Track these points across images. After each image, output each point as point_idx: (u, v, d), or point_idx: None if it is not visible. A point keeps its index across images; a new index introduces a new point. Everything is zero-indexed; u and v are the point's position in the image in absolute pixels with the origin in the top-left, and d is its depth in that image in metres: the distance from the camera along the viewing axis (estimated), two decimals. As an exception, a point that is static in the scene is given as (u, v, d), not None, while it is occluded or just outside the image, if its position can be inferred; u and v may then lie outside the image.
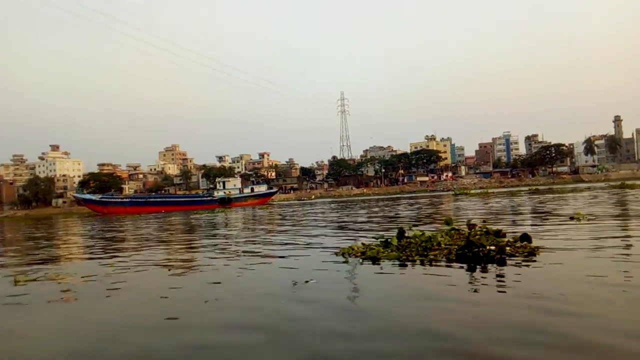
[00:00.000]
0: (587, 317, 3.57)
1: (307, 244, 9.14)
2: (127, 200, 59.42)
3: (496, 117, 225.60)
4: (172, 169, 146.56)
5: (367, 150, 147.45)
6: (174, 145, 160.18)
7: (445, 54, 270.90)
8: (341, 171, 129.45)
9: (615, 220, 9.99)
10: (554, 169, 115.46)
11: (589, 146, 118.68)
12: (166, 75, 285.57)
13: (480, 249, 6.07)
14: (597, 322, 3.44)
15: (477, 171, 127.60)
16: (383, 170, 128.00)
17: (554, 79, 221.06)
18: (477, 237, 6.38)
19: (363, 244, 7.37)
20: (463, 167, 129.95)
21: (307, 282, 5.21)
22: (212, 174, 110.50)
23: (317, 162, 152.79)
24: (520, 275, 5.06)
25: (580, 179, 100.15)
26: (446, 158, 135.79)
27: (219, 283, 5.62)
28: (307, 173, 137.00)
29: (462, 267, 5.62)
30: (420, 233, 7.18)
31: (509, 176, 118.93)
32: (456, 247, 6.34)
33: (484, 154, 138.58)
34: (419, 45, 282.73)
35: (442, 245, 6.57)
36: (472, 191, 52.61)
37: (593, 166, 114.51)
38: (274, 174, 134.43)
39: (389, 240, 7.04)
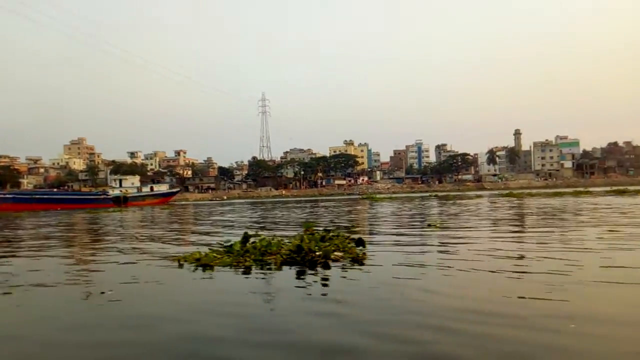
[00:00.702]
0: (347, 317, 3.73)
1: (158, 250, 8.84)
2: (10, 196, 52.94)
3: (411, 125, 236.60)
4: (78, 164, 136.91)
5: (287, 152, 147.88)
6: (80, 139, 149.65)
7: (364, 62, 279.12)
8: (260, 172, 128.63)
9: (467, 229, 10.73)
10: (460, 176, 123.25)
11: (492, 156, 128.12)
12: (78, 62, 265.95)
13: (310, 254, 6.21)
14: (356, 322, 3.58)
15: (391, 176, 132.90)
16: (302, 173, 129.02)
17: (464, 94, 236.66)
18: (307, 242, 6.51)
19: (211, 249, 7.25)
20: (378, 172, 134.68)
21: (103, 293, 4.99)
22: (122, 170, 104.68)
23: (236, 162, 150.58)
24: (329, 280, 5.22)
25: (483, 187, 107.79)
26: (363, 163, 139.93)
27: None
28: (225, 173, 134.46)
29: (284, 271, 5.72)
30: (262, 237, 7.23)
31: (420, 182, 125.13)
32: (288, 252, 6.43)
33: (398, 160, 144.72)
34: (337, 51, 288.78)
35: (282, 250, 6.63)
36: (379, 196, 54.62)
37: (494, 175, 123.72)
38: (190, 172, 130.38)
39: (232, 245, 7.00)
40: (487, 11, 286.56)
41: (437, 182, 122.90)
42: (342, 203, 36.24)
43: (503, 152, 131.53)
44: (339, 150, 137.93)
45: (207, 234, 12.36)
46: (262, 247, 6.73)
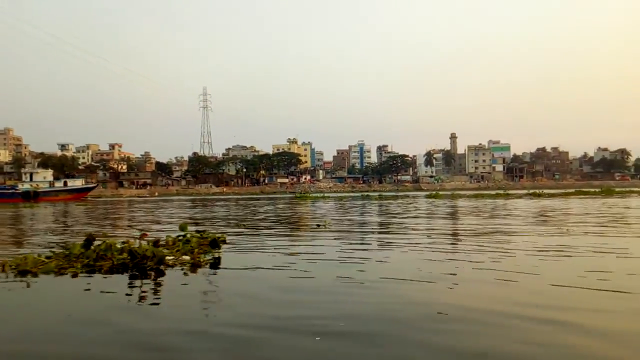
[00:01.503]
0: (122, 328, 3.73)
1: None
2: None
3: (353, 126, 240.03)
4: (4, 155, 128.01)
5: (229, 148, 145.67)
6: (7, 129, 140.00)
7: (309, 62, 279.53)
8: (201, 168, 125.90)
9: (349, 231, 11.01)
10: (399, 177, 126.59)
11: (429, 159, 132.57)
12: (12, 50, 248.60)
13: (144, 260, 6.15)
14: (128, 333, 3.59)
15: (334, 176, 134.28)
16: (244, 170, 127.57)
17: (402, 95, 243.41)
18: (142, 248, 6.44)
19: (53, 251, 6.99)
20: (321, 171, 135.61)
21: None
22: (51, 163, 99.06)
23: (176, 158, 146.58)
24: (142, 288, 5.20)
25: (420, 188, 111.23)
26: (306, 162, 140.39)
27: None
28: (163, 168, 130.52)
29: (108, 279, 5.63)
30: (102, 242, 7.08)
31: (361, 182, 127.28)
32: (123, 257, 6.33)
33: (341, 160, 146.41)
34: (283, 48, 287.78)
35: (117, 256, 6.50)
36: (312, 195, 55.01)
37: (431, 177, 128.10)
38: (125, 167, 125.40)
39: (71, 248, 6.79)
40: (419, 15, 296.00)
41: (377, 182, 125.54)
42: (275, 201, 36.16)
43: (440, 155, 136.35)
44: (283, 149, 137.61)
45: (77, 234, 11.92)
46: (100, 252, 6.58)
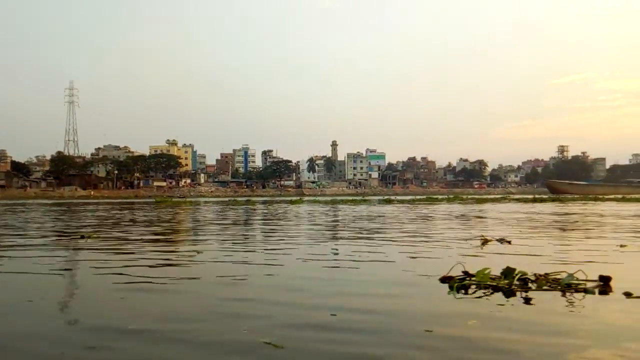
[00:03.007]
0: None
1: None
2: None
3: (239, 130, 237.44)
4: None
5: (99, 148, 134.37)
6: None
7: (186, 61, 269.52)
8: (65, 169, 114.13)
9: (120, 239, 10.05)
10: (282, 182, 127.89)
11: (312, 165, 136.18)
12: None
13: None
14: None
15: (216, 180, 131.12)
16: (116, 172, 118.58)
17: (290, 102, 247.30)
18: None
19: None
20: (202, 175, 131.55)
21: None
22: None
23: (37, 157, 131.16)
24: None
25: (302, 193, 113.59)
26: (187, 165, 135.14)
27: None
28: (20, 169, 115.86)
29: None
30: None
31: (244, 186, 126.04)
32: None
33: (224, 164, 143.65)
34: (163, 47, 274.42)
35: None
36: (174, 199, 52.82)
37: (313, 182, 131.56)
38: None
39: None
40: (309, 25, 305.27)
41: (261, 187, 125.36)
42: (133, 206, 33.58)
43: (322, 161, 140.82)
44: (161, 150, 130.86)
45: None
46: None
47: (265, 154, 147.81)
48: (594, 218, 15.58)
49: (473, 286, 4.07)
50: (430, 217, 16.81)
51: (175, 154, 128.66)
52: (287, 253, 6.84)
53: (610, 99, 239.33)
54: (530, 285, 4.08)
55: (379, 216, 17.10)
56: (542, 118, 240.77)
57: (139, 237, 9.60)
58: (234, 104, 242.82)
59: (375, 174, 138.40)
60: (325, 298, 3.84)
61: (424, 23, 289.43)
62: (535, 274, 4.26)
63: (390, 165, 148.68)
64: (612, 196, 45.30)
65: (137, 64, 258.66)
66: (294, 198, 53.69)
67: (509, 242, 7.74)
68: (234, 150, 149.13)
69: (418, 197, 51.23)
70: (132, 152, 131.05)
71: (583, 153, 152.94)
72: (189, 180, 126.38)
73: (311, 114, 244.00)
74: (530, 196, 49.74)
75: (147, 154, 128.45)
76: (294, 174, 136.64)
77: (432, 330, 2.85)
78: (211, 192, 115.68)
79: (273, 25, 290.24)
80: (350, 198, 49.05)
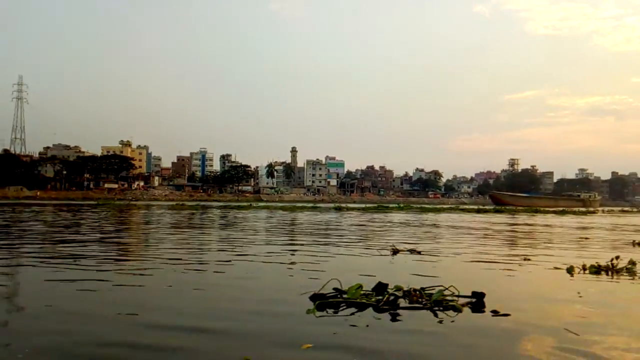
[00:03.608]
0: None
1: None
2: None
3: (197, 133, 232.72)
4: None
5: (48, 147, 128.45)
6: None
7: (144, 62, 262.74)
8: (10, 169, 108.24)
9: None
10: (240, 187, 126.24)
11: (270, 170, 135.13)
12: None
13: None
14: None
15: (171, 183, 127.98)
16: (65, 173, 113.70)
17: (250, 106, 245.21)
18: None
19: None
20: (157, 178, 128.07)
21: None
22: None
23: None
24: None
25: (260, 198, 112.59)
26: (141, 167, 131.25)
27: None
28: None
29: None
30: None
31: (200, 190, 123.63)
32: None
33: (181, 167, 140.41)
34: (121, 47, 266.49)
35: None
36: (117, 202, 51.19)
37: (272, 188, 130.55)
38: None
39: None
40: (271, 31, 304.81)
41: (218, 192, 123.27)
42: (70, 207, 32.09)
43: (281, 167, 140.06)
44: (114, 151, 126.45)
45: None
46: None
47: (224, 158, 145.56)
48: (522, 229, 16.00)
49: (343, 304, 3.86)
50: (363, 225, 16.80)
51: (129, 155, 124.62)
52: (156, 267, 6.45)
53: (560, 115, 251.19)
54: (400, 302, 3.91)
55: (314, 224, 16.93)
56: (495, 132, 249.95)
57: None
58: (193, 106, 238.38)
59: (334, 182, 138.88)
60: (171, 316, 3.52)
61: (386, 42, 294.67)
62: (410, 289, 4.10)
63: (349, 173, 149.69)
64: (552, 209, 47.19)
65: (92, 61, 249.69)
66: (243, 204, 53.05)
67: (419, 253, 7.69)
68: (192, 154, 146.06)
69: (370, 205, 51.68)
70: (83, 152, 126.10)
71: (532, 167, 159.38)
72: (142, 183, 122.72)
73: (272, 120, 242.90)
74: (475, 207, 51.11)
75: (99, 154, 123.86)
76: (253, 179, 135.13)
77: (250, 357, 2.59)
78: (165, 195, 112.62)
79: (234, 28, 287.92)
80: (300, 205, 48.86)
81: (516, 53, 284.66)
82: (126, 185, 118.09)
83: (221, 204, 65.35)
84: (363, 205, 51.09)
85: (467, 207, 53.09)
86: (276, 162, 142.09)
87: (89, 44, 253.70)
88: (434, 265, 6.32)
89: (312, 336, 3.01)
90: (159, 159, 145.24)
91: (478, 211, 35.75)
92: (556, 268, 6.20)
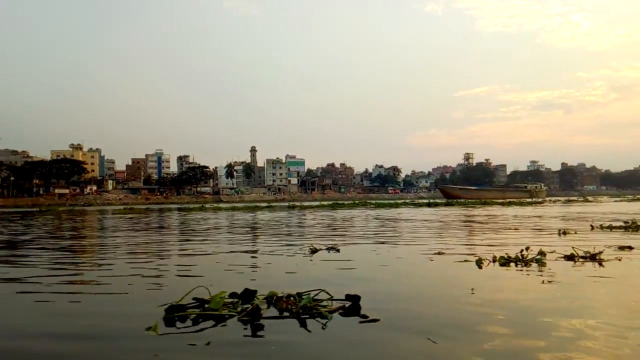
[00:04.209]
0: None
1: None
2: None
3: (153, 134, 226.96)
4: None
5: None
6: None
7: (97, 60, 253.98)
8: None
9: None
10: (199, 188, 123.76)
11: (230, 171, 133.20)
12: None
13: None
14: None
15: (126, 186, 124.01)
16: (13, 179, 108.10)
17: (208, 106, 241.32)
18: None
19: None
20: (110, 182, 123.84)
21: None
22: None
23: None
24: None
25: (220, 200, 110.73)
26: (93, 170, 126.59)
27: None
28: None
29: None
30: None
31: (157, 193, 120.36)
32: None
33: (136, 170, 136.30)
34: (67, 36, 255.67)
35: None
36: (60, 208, 49.31)
37: (232, 189, 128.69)
38: None
39: None
40: (228, 31, 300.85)
41: (175, 194, 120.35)
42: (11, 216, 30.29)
43: (241, 167, 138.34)
44: (64, 155, 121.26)
45: None
46: None
47: (182, 159, 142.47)
48: (456, 220, 16.11)
49: (201, 317, 3.43)
50: (300, 223, 16.49)
51: (80, 159, 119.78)
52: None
53: (511, 110, 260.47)
54: (266, 311, 3.52)
55: (248, 224, 16.49)
56: (451, 127, 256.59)
57: None
58: (147, 107, 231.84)
59: (294, 180, 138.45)
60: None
61: (342, 40, 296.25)
62: (284, 295, 3.73)
63: (309, 171, 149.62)
64: (500, 200, 48.44)
65: (42, 62, 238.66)
66: (193, 206, 51.84)
67: (338, 251, 7.42)
68: (147, 156, 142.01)
69: (326, 203, 51.57)
70: (32, 157, 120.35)
71: (487, 160, 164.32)
72: (95, 187, 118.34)
73: (231, 119, 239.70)
74: (426, 201, 51.89)
75: (49, 159, 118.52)
76: (212, 180, 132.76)
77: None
78: (120, 199, 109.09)
79: (190, 27, 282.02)
80: (254, 205, 48.13)
81: (469, 50, 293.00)
82: (78, 190, 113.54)
83: (177, 206, 63.62)
84: (317, 203, 50.90)
85: (423, 201, 53.86)
86: (236, 162, 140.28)
87: (33, 42, 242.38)
88: (342, 265, 6.00)
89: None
90: (113, 162, 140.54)
91: (429, 205, 36.20)
92: (466, 261, 6.01)
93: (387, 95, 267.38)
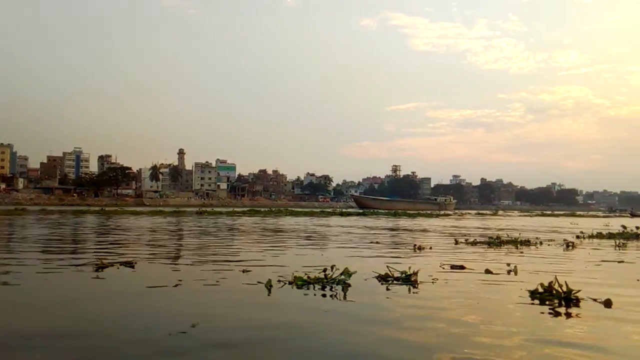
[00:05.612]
0: None
1: None
2: None
3: (72, 132, 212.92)
4: None
5: None
6: None
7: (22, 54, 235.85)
8: None
9: None
10: (120, 191, 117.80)
11: (155, 173, 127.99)
12: None
13: None
14: None
15: (38, 185, 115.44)
16: None
17: (134, 106, 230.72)
18: None
19: None
20: (22, 180, 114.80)
21: None
22: None
23: None
24: None
25: (142, 203, 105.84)
26: (3, 167, 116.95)
27: None
28: None
29: None
30: None
31: (74, 194, 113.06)
32: None
33: (52, 168, 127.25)
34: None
35: None
36: None
37: (156, 192, 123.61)
38: None
39: None
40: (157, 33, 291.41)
41: (93, 195, 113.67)
42: None
43: (167, 170, 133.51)
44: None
45: None
46: None
47: (103, 159, 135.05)
48: (357, 231, 16.29)
49: None
50: (176, 230, 15.96)
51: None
52: None
53: (437, 126, 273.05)
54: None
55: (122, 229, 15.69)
56: (383, 140, 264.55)
57: None
58: (66, 103, 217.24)
59: (224, 185, 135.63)
60: None
61: (279, 48, 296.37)
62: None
63: (240, 177, 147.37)
64: (410, 212, 50.26)
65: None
66: (94, 208, 49.12)
67: (132, 266, 7.12)
68: (65, 154, 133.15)
69: (244, 209, 50.85)
70: None
71: (413, 173, 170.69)
72: (4, 186, 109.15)
73: (158, 120, 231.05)
74: (345, 210, 52.83)
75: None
76: (135, 182, 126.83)
77: None
78: (30, 199, 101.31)
79: (123, 24, 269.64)
80: (159, 209, 46.38)
81: (401, 66, 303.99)
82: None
83: (96, 208, 59.61)
84: (231, 209, 49.82)
85: (349, 210, 54.65)
86: (162, 164, 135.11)
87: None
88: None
89: None
90: (26, 159, 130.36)
91: (342, 214, 36.69)
92: (259, 282, 5.67)
93: (324, 106, 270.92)
